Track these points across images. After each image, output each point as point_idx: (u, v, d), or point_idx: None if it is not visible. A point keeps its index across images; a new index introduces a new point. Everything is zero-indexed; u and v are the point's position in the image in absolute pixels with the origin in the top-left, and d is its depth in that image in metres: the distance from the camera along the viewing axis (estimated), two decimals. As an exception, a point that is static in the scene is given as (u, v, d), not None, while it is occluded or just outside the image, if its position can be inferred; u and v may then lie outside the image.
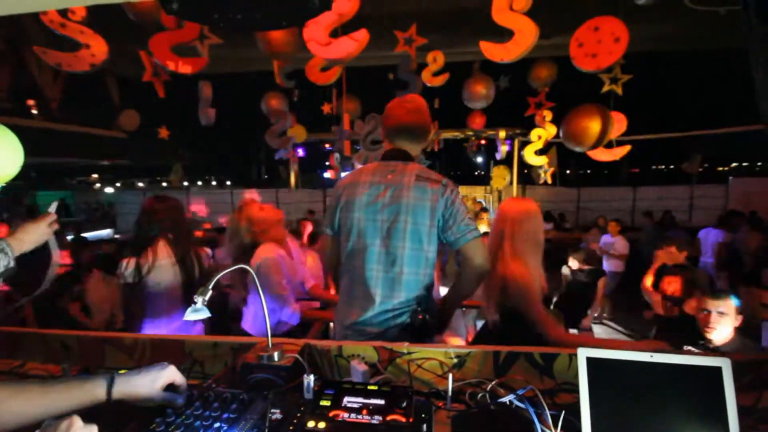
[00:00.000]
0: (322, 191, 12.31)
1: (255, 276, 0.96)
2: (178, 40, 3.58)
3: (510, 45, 3.15)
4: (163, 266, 1.76)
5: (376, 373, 1.03)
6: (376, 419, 0.73)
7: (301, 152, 8.76)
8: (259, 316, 1.90)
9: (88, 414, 0.63)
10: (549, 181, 6.55)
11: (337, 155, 6.62)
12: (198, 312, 0.83)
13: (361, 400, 0.79)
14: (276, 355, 0.97)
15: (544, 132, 5.85)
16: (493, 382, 0.96)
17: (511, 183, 9.19)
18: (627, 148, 4.96)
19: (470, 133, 9.10)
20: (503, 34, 3.20)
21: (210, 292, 0.84)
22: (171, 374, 0.79)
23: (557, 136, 5.03)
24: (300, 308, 1.94)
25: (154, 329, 1.75)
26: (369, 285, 1.36)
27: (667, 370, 0.78)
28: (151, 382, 0.76)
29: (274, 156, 7.55)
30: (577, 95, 4.70)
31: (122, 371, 0.78)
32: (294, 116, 6.44)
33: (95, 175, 16.42)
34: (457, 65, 5.89)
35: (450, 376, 0.89)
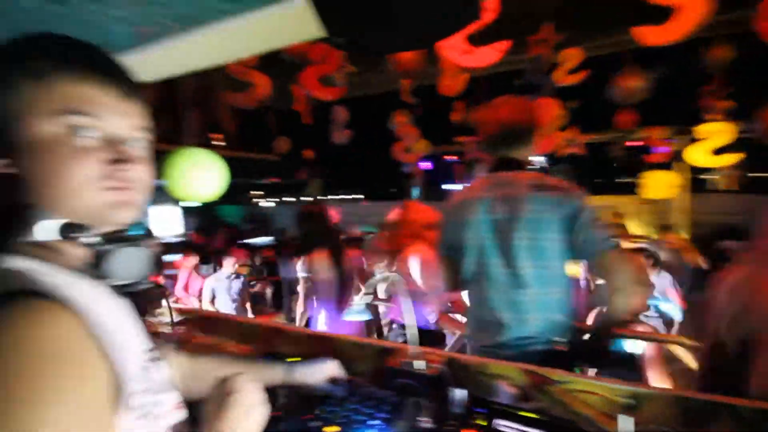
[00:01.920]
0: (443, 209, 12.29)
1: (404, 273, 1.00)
2: (323, 72, 4.09)
3: (671, 25, 2.66)
4: (324, 264, 2.03)
5: (524, 399, 0.95)
6: (538, 451, 0.67)
7: (426, 165, 8.99)
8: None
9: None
10: (731, 186, 5.23)
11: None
12: (359, 314, 0.90)
13: (519, 426, 0.73)
14: (420, 363, 0.98)
15: (721, 127, 4.72)
16: (682, 433, 0.78)
17: (677, 190, 7.59)
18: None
19: (618, 134, 7.94)
20: (659, 16, 2.72)
21: (371, 296, 0.91)
22: (333, 368, 0.87)
23: (745, 130, 4.00)
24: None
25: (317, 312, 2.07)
26: (494, 309, 1.27)
27: None
28: (318, 373, 0.85)
29: (401, 170, 7.94)
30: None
31: (291, 359, 0.89)
32: (419, 131, 6.67)
33: (257, 192, 19.66)
34: (600, 59, 5.25)
35: (621, 419, 0.75)
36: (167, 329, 1.18)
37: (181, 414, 0.60)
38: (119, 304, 0.52)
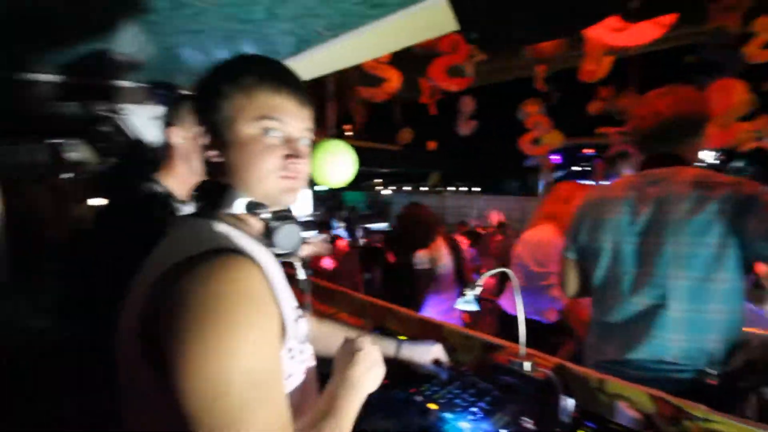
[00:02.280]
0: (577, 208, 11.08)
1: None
2: (452, 63, 4.08)
3: None
4: (444, 255, 2.16)
5: (650, 427, 0.84)
6: (656, 482, 0.60)
7: (557, 158, 8.21)
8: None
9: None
10: None
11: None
12: (469, 303, 0.93)
13: (633, 450, 0.67)
14: (527, 365, 0.95)
15: None
16: None
17: None
18: None
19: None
20: None
21: (480, 288, 0.93)
22: (438, 351, 0.92)
23: None
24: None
25: (439, 303, 2.18)
26: (626, 321, 1.12)
27: None
28: (425, 353, 0.92)
29: (525, 164, 7.43)
30: None
31: (402, 337, 0.98)
32: (552, 121, 6.10)
33: (378, 180, 20.81)
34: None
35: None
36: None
37: (314, 362, 0.72)
38: (278, 267, 0.66)
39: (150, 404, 0.55)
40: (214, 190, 0.62)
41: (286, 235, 0.62)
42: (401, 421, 0.71)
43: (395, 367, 0.92)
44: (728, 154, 6.01)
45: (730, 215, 0.98)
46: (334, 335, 0.95)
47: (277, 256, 0.65)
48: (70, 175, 2.99)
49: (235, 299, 0.50)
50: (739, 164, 5.90)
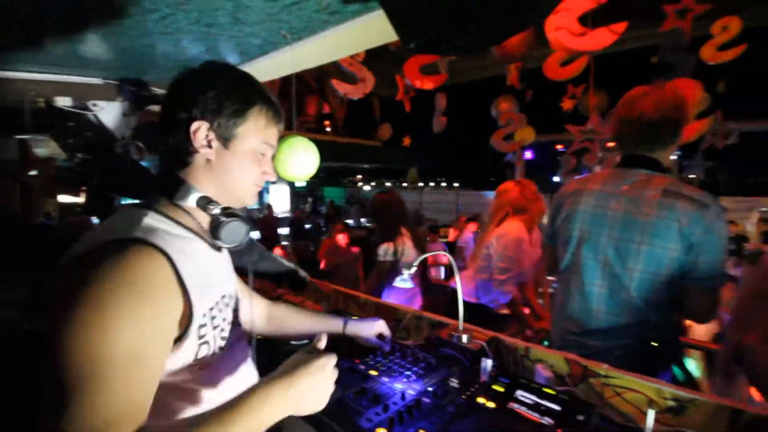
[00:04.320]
0: (550, 195, 11.48)
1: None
2: (425, 61, 4.21)
3: None
4: (408, 248, 2.20)
5: (561, 384, 0.98)
6: (546, 421, 0.73)
7: (528, 155, 8.47)
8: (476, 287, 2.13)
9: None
10: None
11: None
12: (404, 282, 1.05)
13: (534, 398, 0.80)
14: (465, 337, 1.08)
15: None
16: (726, 446, 0.75)
17: None
18: None
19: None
20: None
21: (414, 268, 1.06)
22: (381, 326, 1.04)
23: None
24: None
25: (398, 295, 2.22)
26: (589, 301, 1.26)
27: None
28: (369, 328, 1.03)
29: (501, 159, 7.65)
30: None
31: (354, 317, 1.09)
32: (524, 118, 6.30)
33: (359, 176, 20.82)
34: (761, 32, 4.25)
35: (651, 413, 0.76)
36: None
37: (243, 342, 0.78)
38: (217, 259, 0.72)
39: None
40: (169, 183, 0.69)
41: (232, 231, 0.69)
42: (343, 385, 0.82)
43: (343, 342, 1.03)
44: (685, 150, 6.40)
45: (689, 230, 1.10)
46: (288, 317, 1.04)
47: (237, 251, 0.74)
48: (38, 171, 2.97)
49: (117, 285, 0.52)
50: (697, 161, 6.30)
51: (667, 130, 1.21)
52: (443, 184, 19.12)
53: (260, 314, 1.00)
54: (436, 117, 5.88)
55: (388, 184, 19.18)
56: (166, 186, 0.69)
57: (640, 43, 5.75)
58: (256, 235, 8.29)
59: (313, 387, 0.62)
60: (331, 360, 0.65)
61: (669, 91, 1.24)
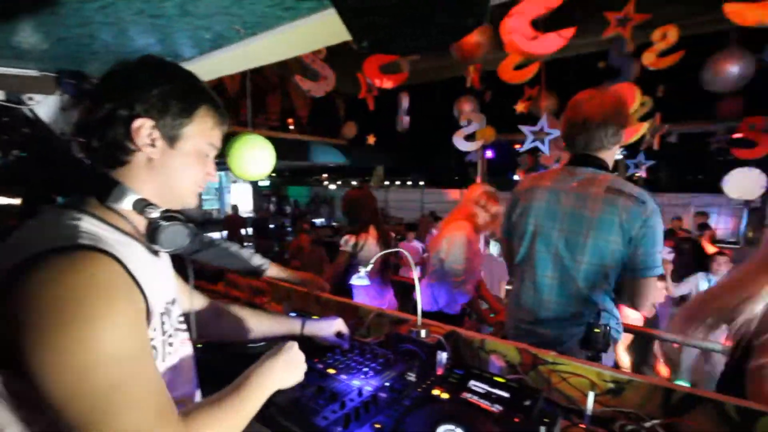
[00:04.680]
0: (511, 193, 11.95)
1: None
2: (385, 60, 4.22)
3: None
4: (370, 245, 2.21)
5: (514, 373, 1.03)
6: (496, 408, 0.77)
7: (490, 154, 8.73)
8: (431, 294, 2.15)
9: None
10: None
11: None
12: (361, 279, 1.06)
13: (486, 387, 0.83)
14: (423, 332, 1.10)
15: None
16: (656, 421, 0.81)
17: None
18: None
19: (716, 125, 6.97)
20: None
21: (371, 266, 1.06)
22: (340, 324, 1.05)
23: None
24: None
25: (355, 288, 2.23)
26: (541, 291, 1.34)
27: None
28: (328, 327, 1.03)
29: (464, 158, 7.83)
30: None
31: (314, 317, 1.08)
32: (484, 118, 6.49)
33: (324, 175, 20.59)
34: (697, 39, 4.62)
35: (591, 394, 0.81)
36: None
37: (188, 348, 0.76)
38: (158, 264, 0.69)
39: None
40: (100, 183, 0.64)
41: (171, 235, 0.66)
42: (301, 384, 0.81)
43: (302, 342, 1.02)
44: (629, 150, 6.87)
45: (628, 227, 1.19)
46: (242, 319, 1.00)
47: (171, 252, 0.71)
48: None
49: (91, 291, 0.51)
50: (637, 159, 6.78)
51: (609, 132, 1.30)
52: (409, 183, 19.31)
53: (209, 317, 0.96)
54: (399, 116, 5.93)
55: (354, 183, 19.12)
56: (97, 187, 0.64)
57: (589, 48, 6.09)
58: (216, 235, 8.01)
59: (292, 360, 0.76)
60: (294, 343, 0.77)
61: (611, 95, 1.33)
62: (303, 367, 0.78)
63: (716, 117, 6.50)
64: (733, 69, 4.51)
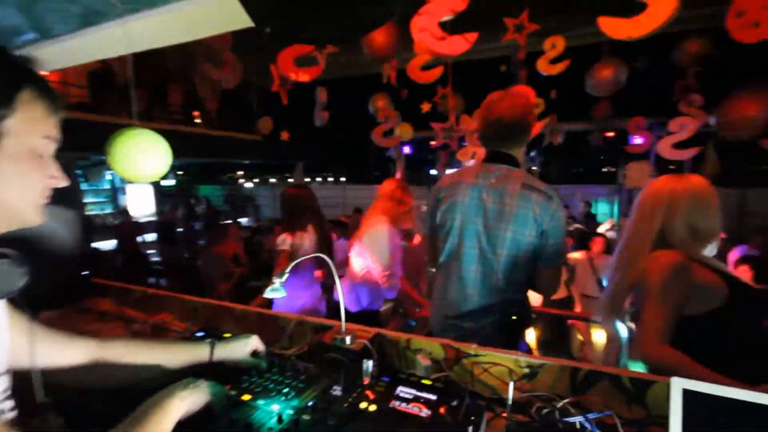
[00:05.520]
0: (428, 187, 12.54)
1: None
2: (300, 53, 4.03)
3: (641, 18, 2.70)
4: (306, 245, 2.11)
5: (439, 370, 1.03)
6: (425, 413, 0.75)
7: (407, 150, 9.01)
8: (355, 293, 2.11)
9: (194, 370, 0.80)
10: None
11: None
12: (276, 291, 0.96)
13: (414, 391, 0.81)
14: (348, 338, 1.05)
15: (690, 121, 4.85)
16: (566, 400, 0.87)
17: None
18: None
19: (594, 124, 8.09)
20: (632, 9, 2.76)
21: (287, 275, 0.97)
22: (255, 342, 0.94)
23: (707, 125, 4.14)
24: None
25: (289, 288, 2.09)
26: (466, 286, 1.38)
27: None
28: (242, 347, 0.92)
29: (384, 154, 7.95)
30: (740, 76, 3.79)
31: (227, 335, 0.96)
32: (399, 115, 6.64)
33: (240, 172, 19.35)
34: (583, 49, 5.28)
35: (511, 384, 0.84)
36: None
37: (9, 402, 0.61)
38: None
39: None
40: None
41: None
42: (210, 418, 0.70)
43: (212, 369, 0.90)
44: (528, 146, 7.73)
45: (540, 218, 1.28)
46: (124, 356, 0.82)
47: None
48: None
49: None
50: (531, 155, 7.64)
51: (520, 130, 1.39)
52: (330, 179, 19.08)
53: (74, 361, 0.77)
54: (317, 111, 5.77)
55: (272, 180, 18.27)
56: None
57: (495, 53, 6.59)
58: (111, 244, 6.96)
59: (180, 401, 0.66)
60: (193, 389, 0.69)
61: (521, 96, 1.42)
62: (198, 399, 0.68)
63: (593, 117, 7.52)
64: (609, 76, 5.23)
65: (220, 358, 0.90)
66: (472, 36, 3.02)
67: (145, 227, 7.19)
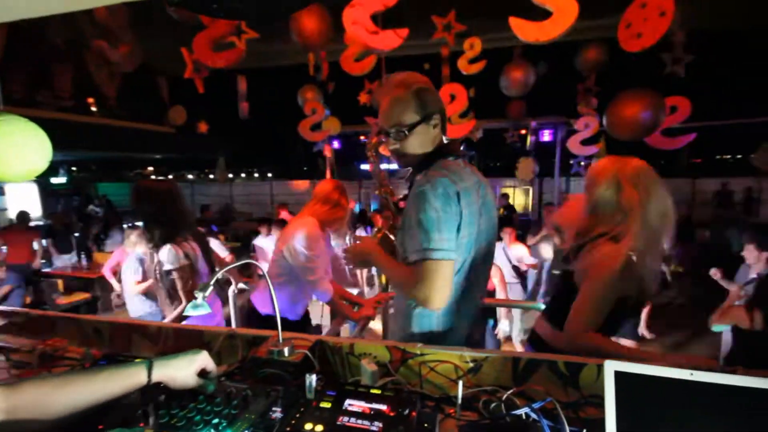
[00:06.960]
0: (359, 182, 12.52)
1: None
2: (216, 36, 3.69)
3: (547, 24, 2.94)
4: (199, 254, 1.89)
5: (386, 374, 0.99)
6: (376, 426, 0.70)
7: (336, 144, 8.85)
8: (282, 298, 1.97)
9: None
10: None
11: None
12: (198, 308, 0.84)
13: (362, 404, 0.76)
14: (286, 350, 0.96)
15: (592, 120, 5.48)
16: (510, 392, 0.89)
17: (536, 174, 8.66)
18: (691, 136, 4.56)
19: (509, 122, 8.76)
20: (543, 15, 3.00)
21: (210, 289, 0.85)
22: (204, 360, 0.80)
23: (601, 124, 4.71)
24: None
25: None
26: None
27: (712, 392, 0.68)
28: (188, 365, 0.77)
29: (312, 149, 7.68)
30: (634, 79, 4.34)
31: (164, 355, 0.79)
32: (329, 109, 6.47)
33: (150, 168, 17.52)
34: (498, 51, 5.62)
35: (460, 383, 0.83)
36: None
37: None
38: None
39: None
40: None
41: None
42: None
43: (150, 393, 0.74)
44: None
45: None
46: (41, 399, 0.65)
47: None
48: None
49: None
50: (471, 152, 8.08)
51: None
52: (256, 175, 18.10)
53: None
54: (240, 102, 5.37)
55: (190, 176, 16.83)
56: None
57: (425, 50, 6.74)
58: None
59: None
60: None
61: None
62: None
63: (508, 116, 8.13)
64: (519, 77, 5.66)
65: (161, 379, 0.75)
66: (403, 32, 3.04)
67: (38, 233, 5.95)
